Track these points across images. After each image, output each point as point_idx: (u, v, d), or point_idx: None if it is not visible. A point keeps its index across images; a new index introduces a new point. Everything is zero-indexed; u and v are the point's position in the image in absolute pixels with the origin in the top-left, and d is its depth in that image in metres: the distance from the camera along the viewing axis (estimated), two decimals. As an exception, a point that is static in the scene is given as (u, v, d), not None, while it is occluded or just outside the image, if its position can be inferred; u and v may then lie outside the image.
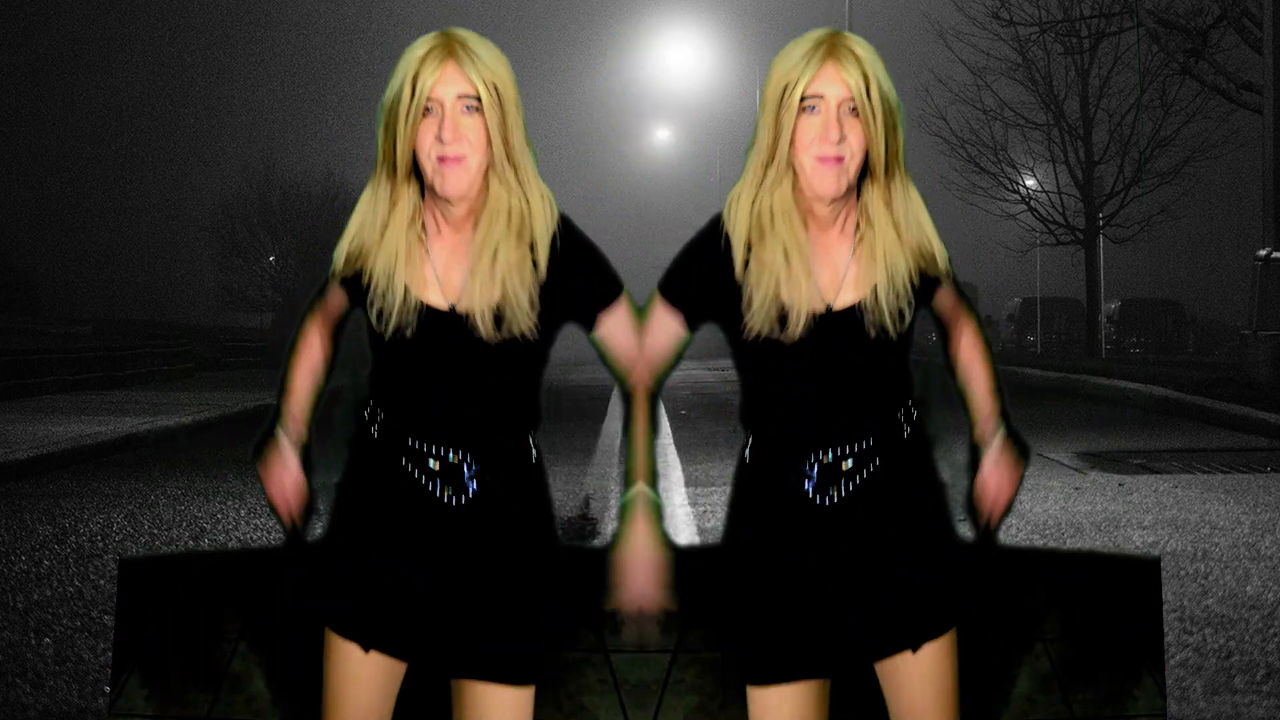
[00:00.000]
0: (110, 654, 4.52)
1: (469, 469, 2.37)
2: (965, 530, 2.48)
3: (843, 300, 2.35)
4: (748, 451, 2.48)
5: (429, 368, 2.37)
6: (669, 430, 13.93)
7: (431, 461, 2.36)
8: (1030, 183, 37.11)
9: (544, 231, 2.34)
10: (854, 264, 2.36)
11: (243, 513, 8.50)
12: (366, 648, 2.38)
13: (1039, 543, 7.03)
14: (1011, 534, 7.28)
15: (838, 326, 2.34)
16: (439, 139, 2.29)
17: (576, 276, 2.37)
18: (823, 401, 2.35)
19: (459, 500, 2.36)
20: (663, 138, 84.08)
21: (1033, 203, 36.53)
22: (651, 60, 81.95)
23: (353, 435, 2.45)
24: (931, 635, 2.38)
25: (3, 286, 50.62)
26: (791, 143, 2.31)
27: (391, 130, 2.31)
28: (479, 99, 2.30)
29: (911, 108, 37.72)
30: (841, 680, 2.43)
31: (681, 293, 2.43)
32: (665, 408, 17.65)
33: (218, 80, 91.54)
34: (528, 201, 2.34)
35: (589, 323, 2.45)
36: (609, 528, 7.73)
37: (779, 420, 2.40)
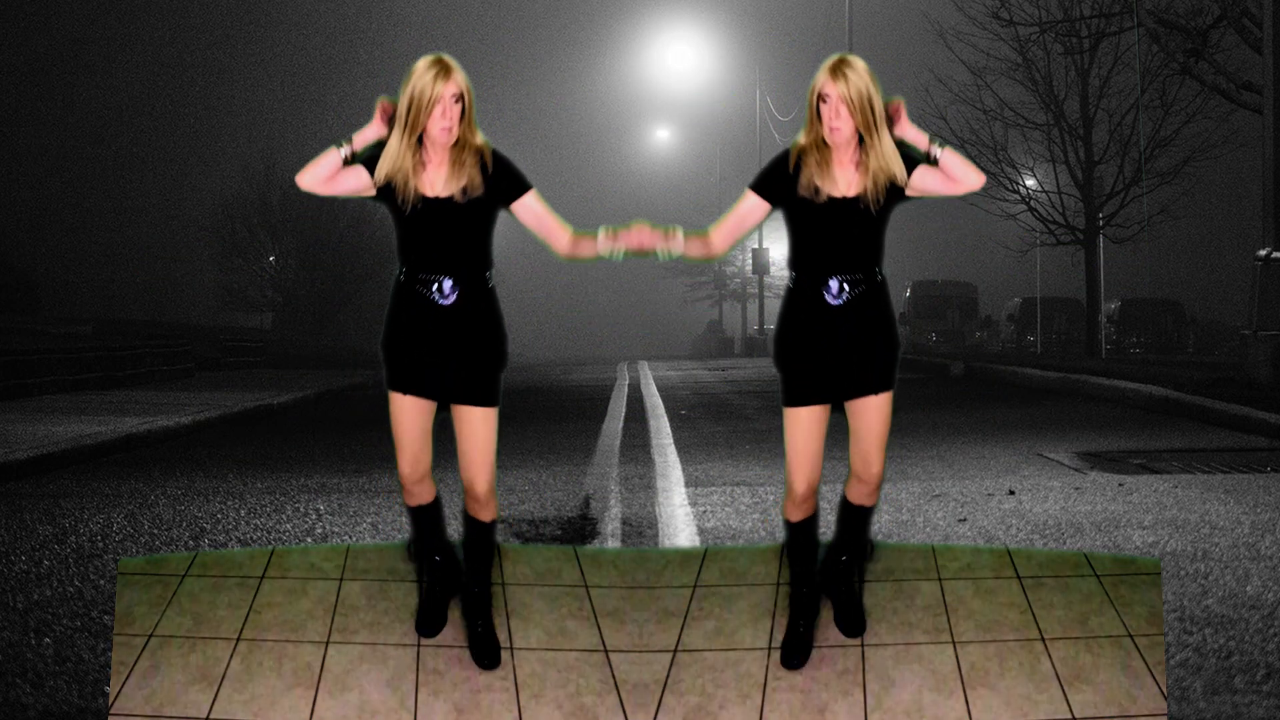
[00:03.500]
0: (110, 654, 4.52)
1: (449, 285, 4.22)
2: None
3: (851, 192, 4.23)
4: (791, 281, 4.30)
5: (426, 231, 4.22)
6: (669, 430, 13.94)
7: (430, 282, 4.22)
8: (1030, 183, 37.06)
9: (487, 154, 4.26)
10: (857, 175, 4.24)
11: (243, 513, 8.50)
12: (405, 392, 4.25)
13: (1039, 543, 7.03)
14: (1012, 534, 7.28)
15: (847, 206, 4.23)
16: (443, 116, 4.17)
17: (502, 177, 4.27)
18: (841, 248, 4.23)
19: (446, 302, 4.22)
20: (663, 138, 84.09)
21: (1033, 203, 36.49)
22: (651, 60, 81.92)
23: (391, 293, 4.28)
24: (883, 389, 4.28)
25: (3, 286, 50.57)
26: (819, 117, 4.21)
27: (417, 110, 4.14)
28: (458, 97, 4.18)
29: (911, 107, 37.54)
30: (835, 405, 4.30)
31: (764, 185, 4.29)
32: (665, 408, 17.65)
33: (218, 80, 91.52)
34: (477, 142, 4.26)
35: (508, 204, 4.28)
36: (609, 528, 7.73)
37: (816, 259, 4.24)
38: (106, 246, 75.36)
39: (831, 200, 4.21)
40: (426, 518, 4.40)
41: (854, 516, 4.39)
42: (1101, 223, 35.33)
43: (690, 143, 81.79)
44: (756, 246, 60.94)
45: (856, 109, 4.15)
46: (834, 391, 4.26)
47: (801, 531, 4.36)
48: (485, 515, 4.35)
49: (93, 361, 21.67)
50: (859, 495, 4.36)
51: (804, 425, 4.26)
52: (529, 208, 4.30)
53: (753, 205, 4.32)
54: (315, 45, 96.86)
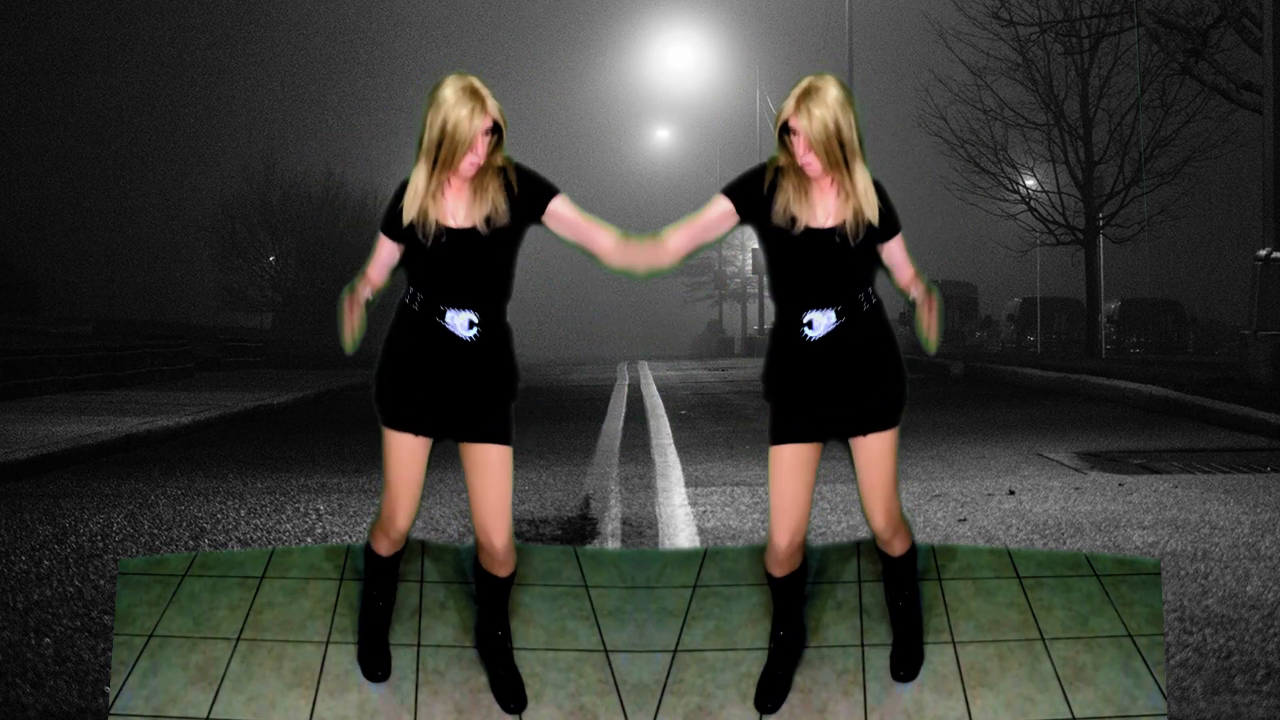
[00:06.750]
0: (110, 654, 4.52)
1: (475, 318, 3.90)
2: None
3: (830, 222, 3.89)
4: (774, 313, 3.99)
5: (448, 264, 3.90)
6: (669, 430, 13.94)
7: (453, 315, 3.90)
8: (1030, 183, 37.09)
9: (511, 174, 3.94)
10: (837, 203, 3.89)
11: (243, 513, 8.50)
12: (405, 431, 3.94)
13: (1039, 543, 7.03)
14: (1012, 534, 7.28)
15: (825, 238, 3.88)
16: (473, 151, 3.86)
17: (527, 192, 3.94)
18: (818, 281, 3.90)
19: (470, 337, 3.91)
20: (663, 138, 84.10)
21: (1033, 203, 36.51)
22: (651, 60, 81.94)
23: (395, 315, 3.99)
24: (874, 429, 3.93)
25: (3, 286, 50.59)
26: (790, 147, 3.90)
27: (451, 149, 3.84)
28: (490, 130, 3.88)
29: (911, 108, 37.70)
30: (827, 443, 3.99)
31: (737, 193, 3.92)
32: (665, 408, 17.65)
33: (218, 80, 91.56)
34: (498, 163, 3.94)
35: (539, 215, 3.94)
36: (609, 528, 7.73)
37: (793, 292, 3.92)
38: (106, 246, 75.38)
39: (809, 231, 3.86)
40: (391, 567, 4.16)
41: (889, 566, 4.13)
42: (1101, 223, 35.35)
43: (690, 143, 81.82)
44: (756, 246, 60.95)
45: (820, 147, 3.79)
46: (819, 430, 3.93)
47: (785, 587, 4.09)
48: (503, 571, 4.05)
49: (93, 361, 21.67)
50: (882, 545, 4.09)
51: (787, 466, 3.92)
52: (560, 216, 3.93)
53: (722, 213, 3.92)
54: (315, 45, 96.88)
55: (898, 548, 4.05)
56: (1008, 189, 36.46)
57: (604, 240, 3.92)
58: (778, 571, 4.04)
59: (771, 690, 4.06)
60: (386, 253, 3.99)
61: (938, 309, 4.02)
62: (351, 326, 4.02)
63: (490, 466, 3.92)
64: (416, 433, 3.94)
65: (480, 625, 4.15)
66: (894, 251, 3.98)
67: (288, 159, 67.80)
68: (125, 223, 78.25)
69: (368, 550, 4.14)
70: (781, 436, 3.92)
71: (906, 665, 4.12)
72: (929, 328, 4.03)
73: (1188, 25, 24.16)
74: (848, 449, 4.02)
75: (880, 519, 3.97)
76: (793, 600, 4.11)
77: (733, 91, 70.14)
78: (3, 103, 75.87)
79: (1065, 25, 30.50)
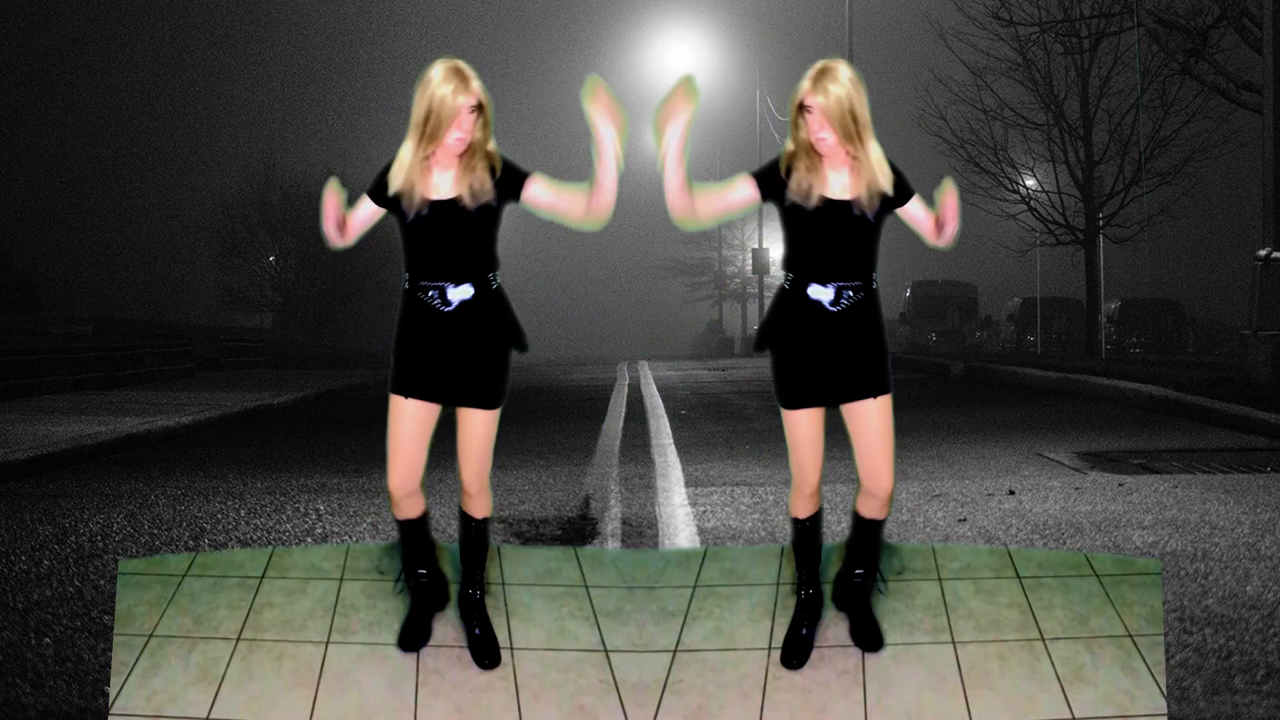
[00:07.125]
0: (110, 654, 4.52)
1: (452, 291, 4.17)
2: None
3: (846, 195, 4.16)
4: (786, 282, 4.24)
5: (431, 236, 4.18)
6: (669, 430, 13.93)
7: (433, 289, 4.19)
8: (1030, 183, 37.10)
9: (496, 161, 4.21)
10: (851, 178, 4.16)
11: (243, 513, 8.50)
12: (407, 396, 4.23)
13: (1039, 543, 7.03)
14: (1012, 534, 7.28)
15: (842, 211, 4.16)
16: (458, 128, 4.11)
17: (507, 176, 4.21)
18: (839, 254, 4.18)
19: (449, 309, 4.19)
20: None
21: (1033, 203, 36.52)
22: (651, 60, 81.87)
23: (400, 301, 4.26)
24: (880, 392, 4.22)
25: (3, 286, 50.59)
26: (805, 125, 4.17)
27: (436, 124, 4.08)
28: (474, 108, 4.13)
29: (911, 108, 37.74)
30: (831, 408, 4.27)
31: (762, 177, 4.21)
32: (665, 408, 17.64)
33: (218, 80, 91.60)
34: (488, 147, 4.21)
35: (517, 196, 4.21)
36: (609, 528, 7.73)
37: (815, 264, 4.18)
38: (106, 246, 75.40)
39: (826, 202, 4.14)
40: (413, 532, 4.37)
41: (866, 531, 4.35)
42: (1101, 223, 35.35)
43: (690, 143, 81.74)
44: (757, 246, 60.92)
45: (836, 122, 4.08)
46: (828, 395, 4.23)
47: (809, 528, 4.34)
48: (477, 510, 4.33)
49: (93, 361, 21.67)
50: (870, 509, 4.31)
51: (803, 426, 4.24)
52: (537, 193, 4.21)
53: (745, 191, 4.22)
54: (315, 45, 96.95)
55: (888, 509, 4.33)
56: (1008, 189, 36.47)
57: (579, 201, 4.18)
58: (802, 512, 4.32)
59: (796, 648, 4.21)
60: (364, 212, 4.28)
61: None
62: (334, 210, 4.26)
63: (477, 424, 4.26)
64: (416, 397, 4.23)
65: (461, 585, 4.35)
66: (913, 212, 4.27)
67: (288, 159, 67.83)
68: (125, 223, 78.29)
69: (396, 522, 4.41)
70: (788, 403, 4.26)
71: (870, 635, 4.25)
72: (945, 209, 4.23)
73: (1188, 25, 24.17)
74: (845, 425, 4.30)
75: (888, 480, 4.25)
76: (813, 548, 4.35)
77: (733, 91, 70.13)
78: (3, 103, 75.93)
79: (1065, 25, 30.52)
